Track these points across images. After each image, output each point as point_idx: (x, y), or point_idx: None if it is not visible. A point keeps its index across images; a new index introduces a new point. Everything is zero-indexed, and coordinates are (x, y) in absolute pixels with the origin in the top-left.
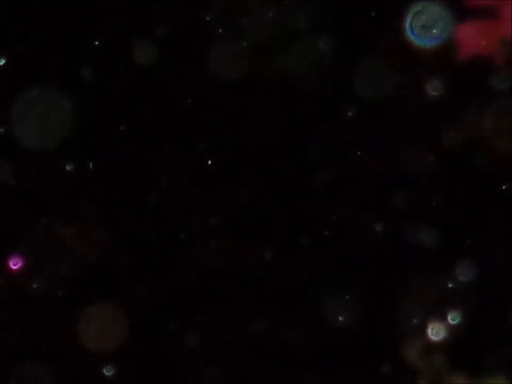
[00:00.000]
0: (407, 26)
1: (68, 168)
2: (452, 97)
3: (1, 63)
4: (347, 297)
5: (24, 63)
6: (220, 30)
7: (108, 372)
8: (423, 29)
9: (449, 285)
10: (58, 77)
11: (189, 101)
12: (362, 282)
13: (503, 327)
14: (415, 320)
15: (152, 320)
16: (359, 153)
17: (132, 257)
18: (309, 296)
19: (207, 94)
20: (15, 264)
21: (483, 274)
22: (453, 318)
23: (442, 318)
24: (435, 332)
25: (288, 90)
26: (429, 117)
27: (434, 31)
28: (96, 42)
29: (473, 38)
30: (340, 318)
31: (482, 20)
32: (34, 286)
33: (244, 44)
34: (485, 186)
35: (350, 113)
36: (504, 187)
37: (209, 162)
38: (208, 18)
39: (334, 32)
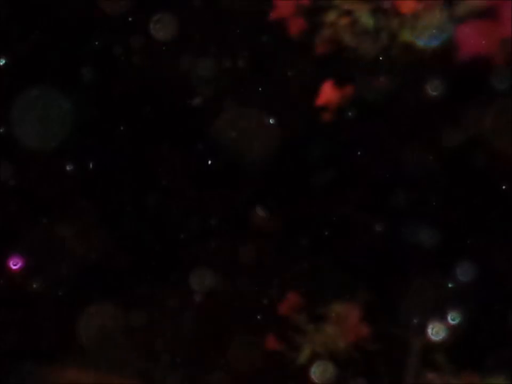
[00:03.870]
0: None
1: (68, 168)
2: (451, 97)
3: (1, 63)
4: (347, 296)
5: (24, 63)
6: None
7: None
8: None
9: (449, 285)
10: (58, 77)
11: (189, 101)
12: (362, 282)
13: (503, 327)
14: (415, 320)
15: (152, 317)
16: (359, 153)
17: (132, 257)
18: (309, 296)
19: (207, 95)
20: (15, 264)
21: (483, 274)
22: (453, 318)
23: (442, 318)
24: (435, 332)
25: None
26: (429, 117)
27: (434, 31)
28: (96, 43)
29: (473, 38)
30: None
31: (482, 20)
32: (34, 286)
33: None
34: (485, 186)
35: (350, 113)
36: (504, 187)
37: (209, 162)
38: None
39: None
